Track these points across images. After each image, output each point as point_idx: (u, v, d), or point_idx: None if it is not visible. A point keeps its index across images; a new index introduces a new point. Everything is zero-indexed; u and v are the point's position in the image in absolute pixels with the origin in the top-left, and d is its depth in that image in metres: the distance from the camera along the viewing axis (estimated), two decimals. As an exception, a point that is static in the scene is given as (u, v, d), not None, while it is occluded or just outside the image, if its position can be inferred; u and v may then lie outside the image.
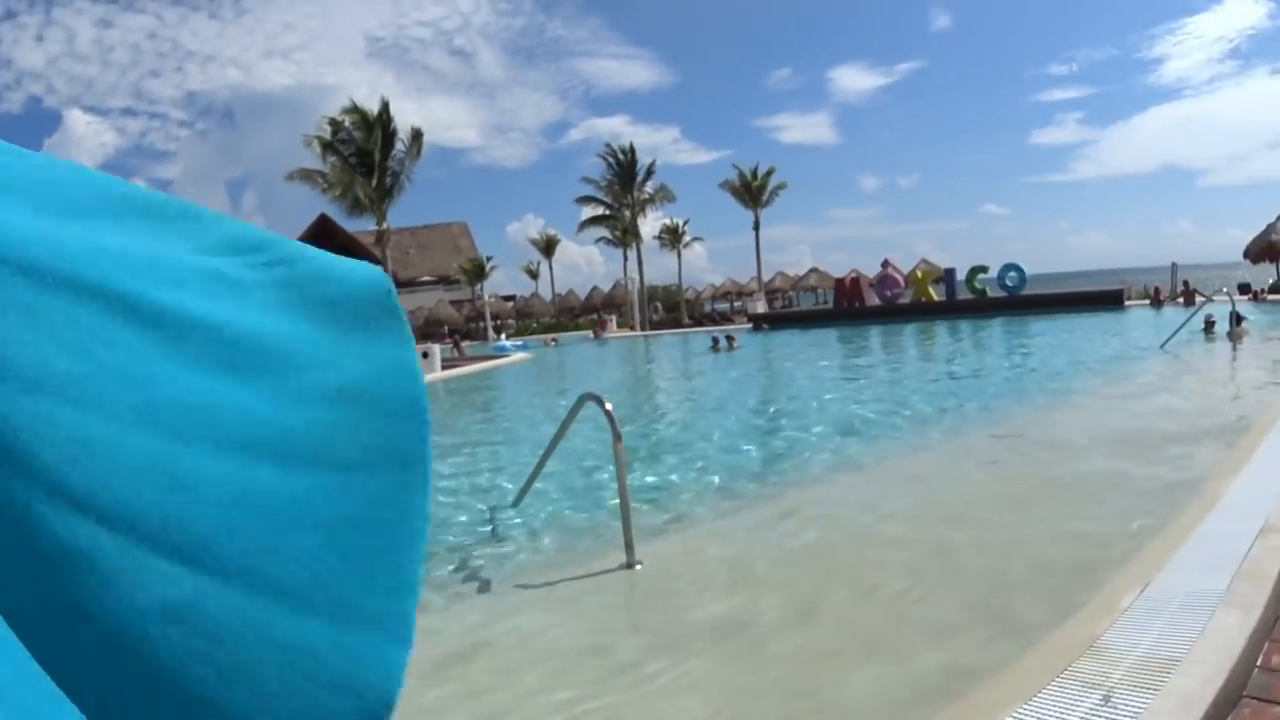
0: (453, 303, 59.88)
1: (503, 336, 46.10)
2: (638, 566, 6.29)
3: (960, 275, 38.96)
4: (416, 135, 34.14)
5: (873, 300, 39.87)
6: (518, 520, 8.32)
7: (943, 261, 40.79)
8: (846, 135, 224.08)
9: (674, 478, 9.83)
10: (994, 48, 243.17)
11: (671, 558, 6.72)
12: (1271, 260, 39.42)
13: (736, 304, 57.05)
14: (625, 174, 52.22)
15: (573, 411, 7.75)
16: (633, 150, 52.28)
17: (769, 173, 54.15)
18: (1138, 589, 4.26)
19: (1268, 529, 4.91)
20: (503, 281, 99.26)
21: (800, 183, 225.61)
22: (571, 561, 6.79)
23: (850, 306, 39.45)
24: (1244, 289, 33.96)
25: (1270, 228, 38.99)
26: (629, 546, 6.35)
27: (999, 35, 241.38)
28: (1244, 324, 19.34)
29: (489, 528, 8.33)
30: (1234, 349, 17.63)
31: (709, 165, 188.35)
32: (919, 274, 40.47)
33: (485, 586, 6.54)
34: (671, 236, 57.23)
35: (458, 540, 7.95)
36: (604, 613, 5.74)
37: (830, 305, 43.60)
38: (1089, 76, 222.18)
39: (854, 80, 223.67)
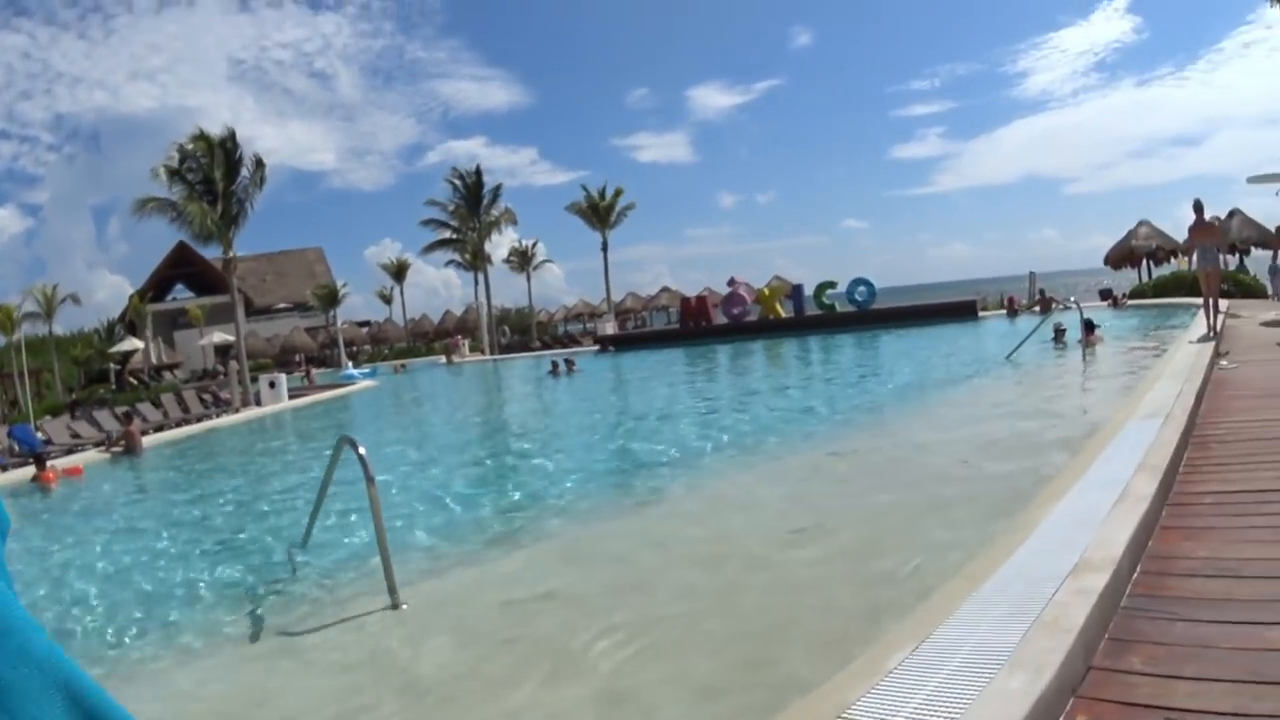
0: (308, 330, 58.53)
1: (350, 365, 44.96)
2: (403, 607, 6.33)
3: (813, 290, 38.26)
4: (259, 163, 33.28)
5: (720, 319, 39.78)
6: (303, 561, 8.26)
7: (802, 276, 40.06)
8: (704, 154, 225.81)
9: (467, 513, 9.80)
10: (855, 65, 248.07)
11: (440, 598, 6.78)
12: (1133, 266, 39.80)
13: (589, 325, 56.34)
14: (471, 197, 51.52)
15: (335, 455, 7.76)
16: (479, 173, 51.79)
17: (617, 193, 54.06)
18: (911, 645, 3.65)
19: (1082, 566, 4.18)
20: (361, 306, 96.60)
21: (658, 202, 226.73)
22: (339, 603, 6.80)
23: (697, 326, 39.21)
24: (1105, 295, 33.86)
25: (1130, 233, 39.10)
26: (391, 589, 6.40)
27: (860, 53, 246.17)
28: (1096, 332, 18.81)
29: (274, 571, 8.27)
30: (1084, 358, 16.80)
31: (567, 186, 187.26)
32: (766, 291, 39.74)
33: (257, 635, 6.51)
34: (521, 259, 56.54)
35: (238, 584, 7.88)
36: (354, 659, 5.77)
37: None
38: (951, 91, 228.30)
39: (712, 99, 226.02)
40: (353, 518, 9.41)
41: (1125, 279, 40.43)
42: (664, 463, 11.54)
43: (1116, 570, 4.11)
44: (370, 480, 6.56)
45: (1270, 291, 29.25)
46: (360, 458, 6.66)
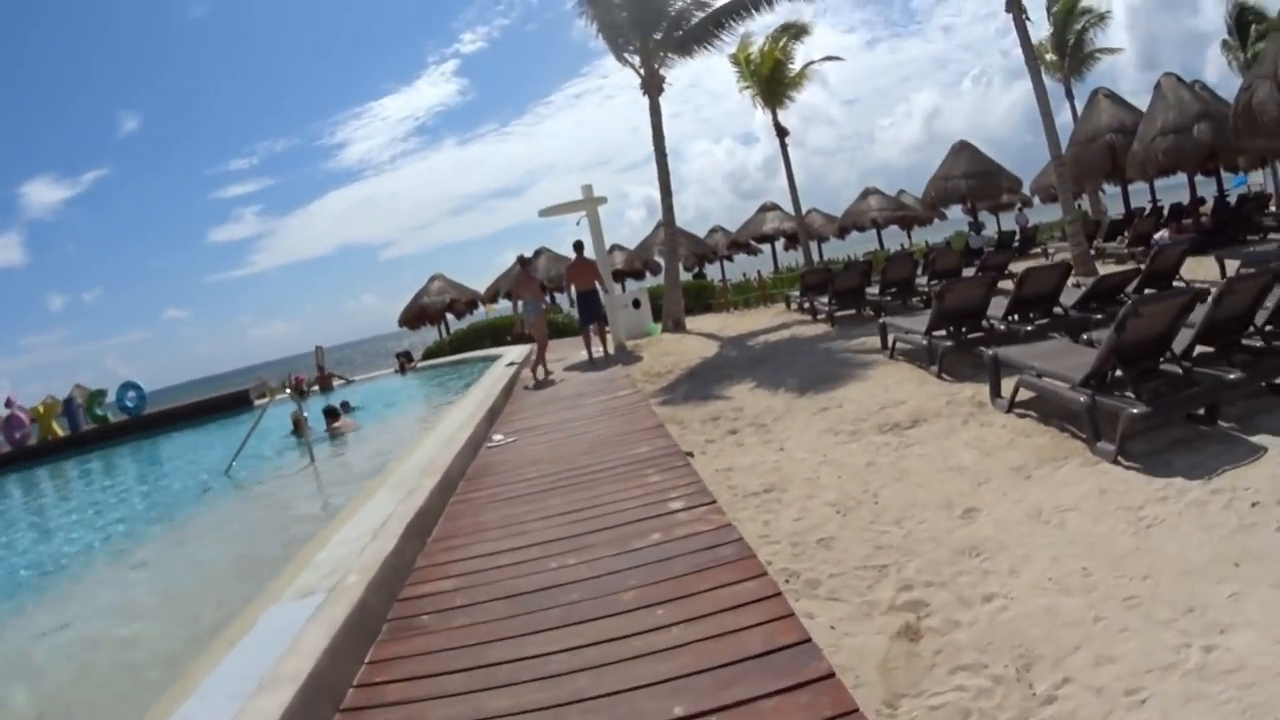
0: None
1: None
2: None
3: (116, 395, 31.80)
4: None
5: (4, 447, 33.06)
6: None
7: (134, 374, 32.81)
8: (36, 254, 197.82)
9: None
10: (180, 148, 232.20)
11: None
12: (433, 323, 37.26)
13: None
14: None
15: None
16: None
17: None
18: None
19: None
20: None
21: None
22: None
23: (-13, 460, 34.52)
24: (401, 356, 29.57)
25: (422, 291, 36.94)
26: None
27: (185, 134, 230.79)
28: (344, 418, 15.38)
29: None
30: (311, 459, 11.91)
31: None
32: (41, 409, 33.11)
33: None
34: None
35: None
36: None
37: None
38: (269, 168, 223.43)
39: (44, 194, 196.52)
40: None
41: (431, 337, 36.97)
42: None
43: None
44: None
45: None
46: None
